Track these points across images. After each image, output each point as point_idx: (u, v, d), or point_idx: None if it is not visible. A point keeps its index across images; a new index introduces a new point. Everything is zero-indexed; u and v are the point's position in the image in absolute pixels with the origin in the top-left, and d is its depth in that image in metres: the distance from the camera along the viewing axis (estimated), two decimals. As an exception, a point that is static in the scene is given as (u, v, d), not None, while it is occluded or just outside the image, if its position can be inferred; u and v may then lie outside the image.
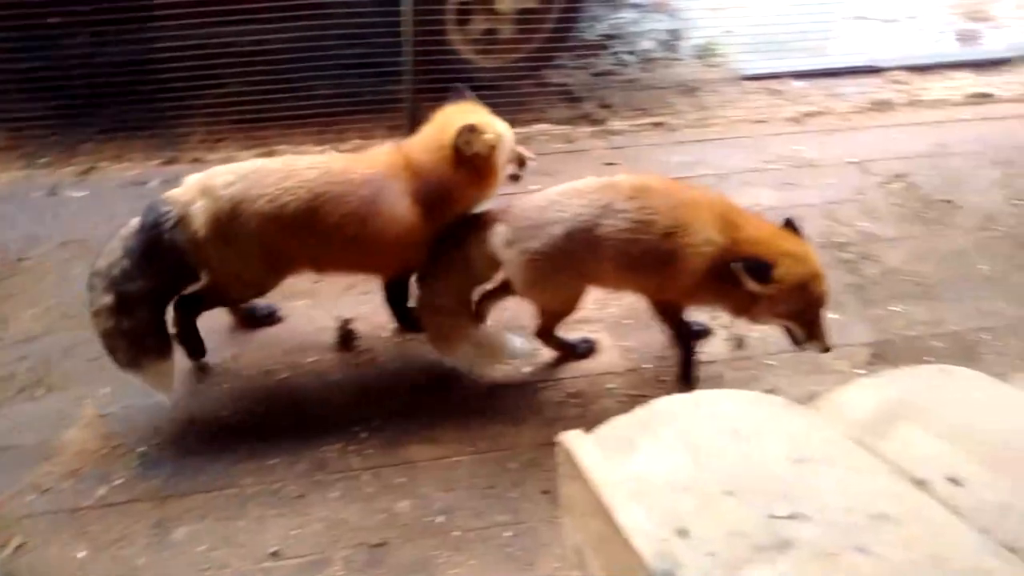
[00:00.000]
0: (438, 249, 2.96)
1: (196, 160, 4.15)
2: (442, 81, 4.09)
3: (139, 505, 2.68)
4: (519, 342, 3.11)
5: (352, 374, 3.15)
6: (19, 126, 4.30)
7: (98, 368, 3.08)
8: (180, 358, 2.98)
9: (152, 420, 2.93)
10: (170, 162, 4.17)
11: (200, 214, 2.73)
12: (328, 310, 3.33)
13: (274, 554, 2.54)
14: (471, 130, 2.82)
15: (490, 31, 4.47)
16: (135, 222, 2.78)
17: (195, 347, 3.09)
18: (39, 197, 4.00)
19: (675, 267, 2.76)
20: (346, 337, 3.25)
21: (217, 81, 4.15)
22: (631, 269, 2.82)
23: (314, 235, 2.80)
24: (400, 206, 2.83)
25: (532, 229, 2.83)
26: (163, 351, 2.86)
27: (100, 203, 3.89)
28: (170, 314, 2.95)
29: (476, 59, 4.45)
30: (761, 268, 2.62)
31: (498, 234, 2.88)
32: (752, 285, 2.63)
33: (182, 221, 2.73)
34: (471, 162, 2.86)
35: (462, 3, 4.31)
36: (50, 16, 4.00)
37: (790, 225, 2.81)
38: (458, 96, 3.03)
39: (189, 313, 3.01)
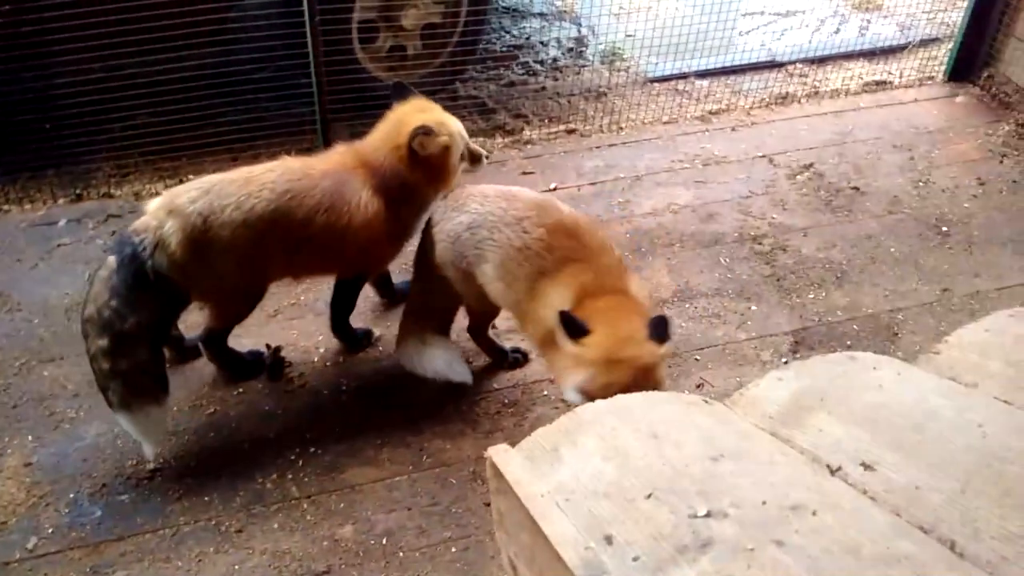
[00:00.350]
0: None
1: (105, 195, 4.05)
2: (353, 100, 4.11)
3: (72, 553, 2.62)
4: (459, 367, 3.12)
5: (284, 402, 3.12)
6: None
7: (19, 417, 3.01)
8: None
9: (79, 465, 2.87)
10: (77, 200, 4.06)
11: (174, 234, 2.70)
12: (254, 339, 3.30)
13: (215, 592, 2.52)
14: (425, 132, 2.87)
15: (397, 48, 4.48)
16: (111, 261, 2.73)
17: (248, 368, 3.20)
18: (-58, 247, 3.87)
19: (534, 315, 2.73)
20: (275, 365, 3.22)
21: (122, 114, 4.06)
22: (505, 287, 2.80)
23: (285, 233, 2.81)
24: (363, 195, 2.88)
25: (451, 212, 2.93)
26: (157, 395, 2.80)
27: (6, 247, 3.79)
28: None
29: (385, 76, 4.44)
30: (576, 326, 2.49)
31: (436, 208, 3.00)
32: (561, 339, 2.52)
33: (159, 246, 2.71)
34: (426, 161, 2.93)
35: (365, 22, 4.31)
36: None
37: (658, 321, 2.53)
38: (402, 93, 3.06)
39: (219, 348, 3.10)
